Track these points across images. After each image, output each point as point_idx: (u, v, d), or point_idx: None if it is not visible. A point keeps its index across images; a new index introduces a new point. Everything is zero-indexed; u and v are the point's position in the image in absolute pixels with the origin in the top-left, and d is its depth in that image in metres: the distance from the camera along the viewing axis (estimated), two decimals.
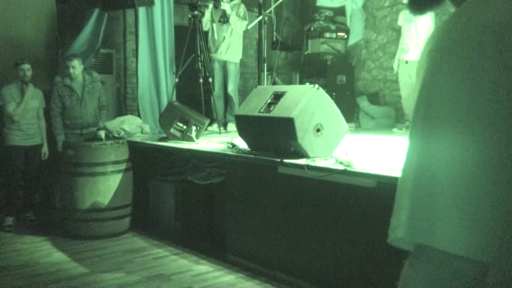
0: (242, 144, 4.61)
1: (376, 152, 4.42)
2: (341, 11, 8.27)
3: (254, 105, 4.32)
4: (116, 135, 5.84)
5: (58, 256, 4.82)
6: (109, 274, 4.30)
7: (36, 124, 5.88)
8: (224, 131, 6.62)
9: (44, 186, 6.46)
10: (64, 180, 5.41)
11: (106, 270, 4.39)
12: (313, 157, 3.93)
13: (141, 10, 6.39)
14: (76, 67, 5.90)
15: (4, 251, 5.00)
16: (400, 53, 6.82)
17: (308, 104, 3.98)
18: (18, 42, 6.47)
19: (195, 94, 6.74)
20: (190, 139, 5.37)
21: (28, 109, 5.79)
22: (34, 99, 5.86)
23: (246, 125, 4.38)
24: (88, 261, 4.64)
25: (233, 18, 6.66)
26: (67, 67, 5.87)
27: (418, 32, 6.51)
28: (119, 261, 4.65)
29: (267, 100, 4.24)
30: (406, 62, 6.68)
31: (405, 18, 6.79)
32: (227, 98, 6.89)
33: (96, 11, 6.42)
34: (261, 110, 4.20)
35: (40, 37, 6.70)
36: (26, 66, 5.78)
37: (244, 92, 7.06)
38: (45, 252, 4.95)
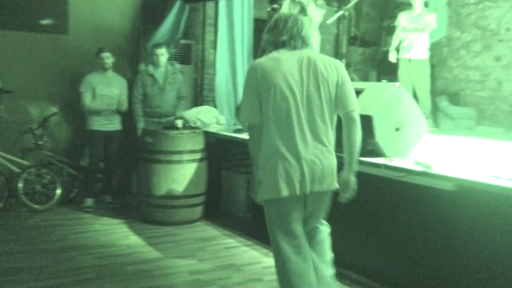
0: None
1: (456, 155, 4.27)
2: None
3: None
4: (193, 125, 5.95)
5: (134, 239, 4.99)
6: (182, 260, 4.42)
7: (116, 110, 6.09)
8: None
9: (122, 170, 6.71)
10: (141, 166, 5.59)
11: (178, 256, 4.51)
12: (390, 157, 3.85)
13: (222, 2, 6.48)
14: (164, 54, 6.05)
15: (84, 231, 5.23)
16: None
17: (388, 102, 3.90)
18: (104, 30, 6.73)
19: None
20: None
21: (108, 96, 6.00)
22: (115, 86, 6.07)
23: None
24: (162, 246, 4.78)
25: (310, 7, 6.58)
26: (155, 54, 6.01)
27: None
28: (191, 248, 4.76)
29: None
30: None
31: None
32: None
33: (179, 3, 6.56)
34: None
35: (125, 26, 6.94)
36: (106, 54, 5.99)
37: None
38: (122, 234, 5.14)
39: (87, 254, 4.51)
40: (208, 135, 5.76)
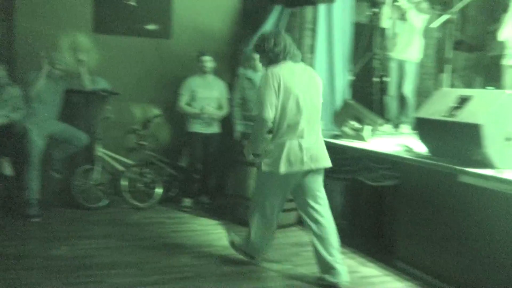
0: (418, 148, 4.44)
1: None
2: None
3: (437, 108, 4.12)
4: None
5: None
6: (277, 265, 4.43)
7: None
8: (396, 132, 6.42)
9: (218, 172, 6.85)
10: (238, 168, 5.66)
11: (274, 260, 4.52)
12: (500, 168, 3.64)
13: (321, 7, 6.43)
14: None
15: (182, 230, 5.40)
16: None
17: (498, 111, 3.70)
18: (204, 35, 6.92)
19: (367, 93, 6.64)
20: (362, 138, 5.30)
21: (208, 98, 6.15)
22: (215, 89, 6.21)
23: (427, 128, 4.20)
24: None
25: (411, 13, 6.40)
26: (253, 59, 6.09)
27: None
28: (286, 252, 4.76)
29: (452, 103, 4.02)
30: None
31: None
32: (401, 98, 6.67)
33: (278, 7, 6.60)
34: (445, 114, 4.00)
35: (224, 31, 7.10)
36: (206, 58, 6.13)
37: (419, 93, 6.77)
38: (218, 235, 5.24)
39: (185, 253, 4.64)
40: None
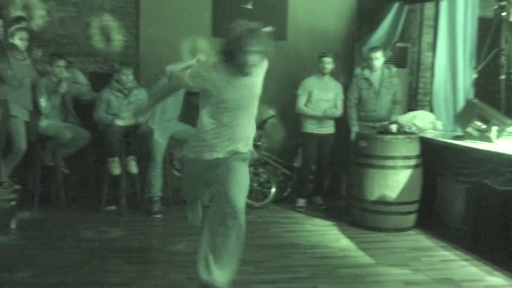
0: None
1: None
2: None
3: None
4: (408, 130, 5.76)
5: (345, 242, 5.01)
6: (395, 269, 4.29)
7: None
8: None
9: (332, 173, 6.79)
10: (354, 169, 5.58)
11: (391, 264, 4.39)
12: None
13: (443, 2, 6.15)
14: (379, 58, 5.99)
15: (296, 230, 5.42)
16: None
17: None
18: (320, 35, 6.89)
19: (493, 92, 6.24)
20: (488, 139, 4.99)
21: (324, 100, 6.12)
22: (331, 90, 6.16)
23: None
24: (374, 252, 4.70)
25: None
26: (370, 58, 5.98)
27: None
28: (404, 257, 4.61)
29: None
30: None
31: None
32: None
33: (397, 4, 6.42)
34: None
35: (340, 30, 7.02)
36: (328, 60, 6.10)
37: None
38: (333, 236, 5.20)
39: (300, 253, 4.65)
40: (423, 141, 5.53)
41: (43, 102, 5.69)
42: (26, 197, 5.74)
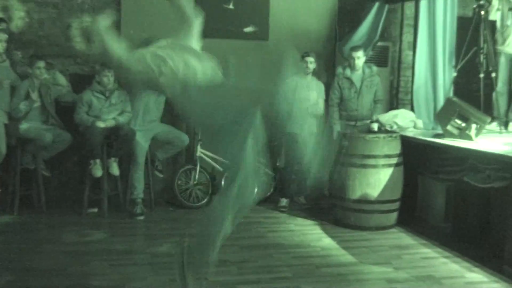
0: None
1: None
2: None
3: None
4: (389, 129, 5.80)
5: (327, 241, 5.03)
6: (377, 267, 4.32)
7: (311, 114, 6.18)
8: (505, 130, 6.05)
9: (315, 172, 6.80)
10: (336, 169, 5.60)
11: (374, 263, 4.42)
12: None
13: (423, 2, 6.21)
14: (361, 57, 6.04)
15: (279, 230, 5.43)
16: None
17: None
18: (301, 35, 6.88)
19: (472, 90, 6.31)
20: (468, 137, 5.05)
21: (305, 99, 6.12)
22: (313, 90, 6.17)
23: None
24: (356, 250, 4.73)
25: None
26: (351, 57, 6.03)
27: None
28: (386, 255, 4.64)
29: None
30: None
31: None
32: (510, 95, 6.28)
33: (377, 4, 6.46)
34: None
35: (321, 30, 7.04)
36: (310, 59, 6.11)
37: None
38: (316, 236, 5.22)
39: (283, 253, 4.66)
40: (404, 139, 5.57)
41: (22, 106, 5.60)
42: (6, 201, 5.68)
